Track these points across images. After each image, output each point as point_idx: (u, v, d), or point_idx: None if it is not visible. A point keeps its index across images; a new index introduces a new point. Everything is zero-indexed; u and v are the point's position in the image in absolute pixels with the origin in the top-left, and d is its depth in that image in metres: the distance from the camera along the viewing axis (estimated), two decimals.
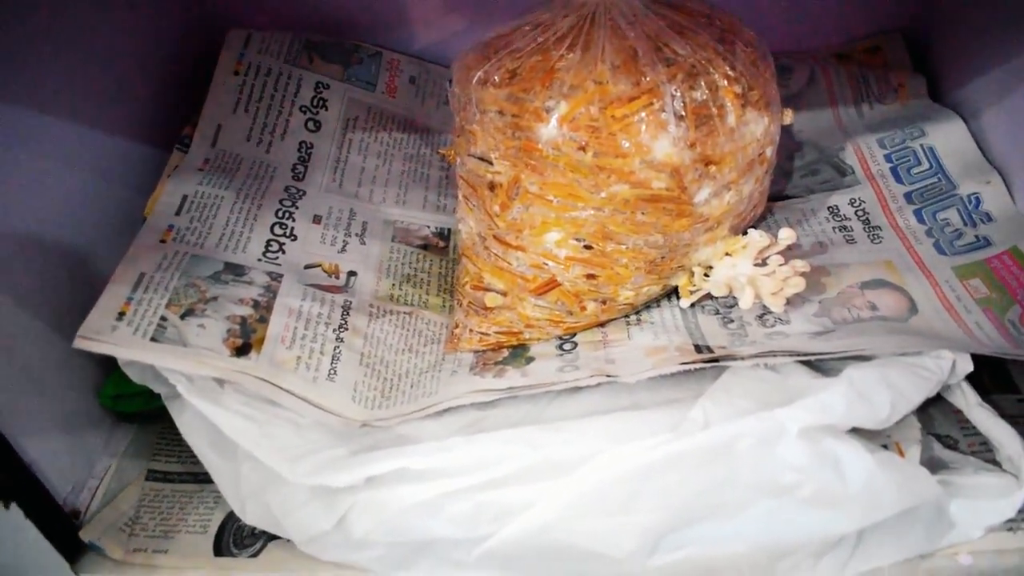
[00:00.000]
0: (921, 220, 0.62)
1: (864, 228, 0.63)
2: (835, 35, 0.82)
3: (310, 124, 0.70)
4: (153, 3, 0.69)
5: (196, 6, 0.75)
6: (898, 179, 0.66)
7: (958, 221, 0.61)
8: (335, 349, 0.53)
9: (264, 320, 0.52)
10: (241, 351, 0.50)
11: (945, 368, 0.47)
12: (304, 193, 0.64)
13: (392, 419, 0.50)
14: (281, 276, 0.56)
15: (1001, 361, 0.55)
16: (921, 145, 0.67)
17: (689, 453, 0.41)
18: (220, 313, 0.51)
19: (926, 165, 0.66)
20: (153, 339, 0.48)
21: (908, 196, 0.64)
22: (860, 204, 0.65)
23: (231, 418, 0.47)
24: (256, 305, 0.53)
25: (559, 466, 0.42)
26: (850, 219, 0.64)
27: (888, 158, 0.68)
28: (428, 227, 0.66)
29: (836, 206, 0.65)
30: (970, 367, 0.48)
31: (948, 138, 0.67)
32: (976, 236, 0.60)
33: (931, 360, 0.47)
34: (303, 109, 0.70)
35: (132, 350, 0.47)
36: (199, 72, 0.70)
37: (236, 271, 0.55)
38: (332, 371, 0.52)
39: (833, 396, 0.42)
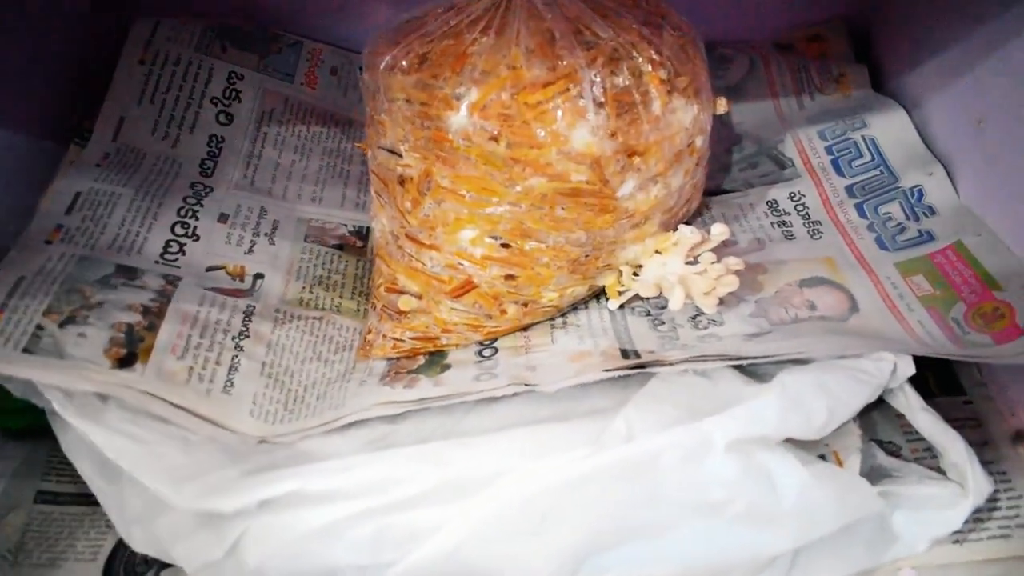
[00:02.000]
0: (863, 214, 0.60)
1: (804, 223, 0.60)
2: (775, 24, 0.79)
3: (222, 117, 0.65)
4: None
5: None
6: (839, 172, 0.63)
7: (900, 215, 0.59)
8: (233, 358, 0.49)
9: (154, 328, 0.48)
10: (124, 362, 0.45)
11: (886, 371, 0.44)
12: (211, 190, 0.60)
13: (293, 434, 0.46)
14: (178, 279, 0.52)
15: (947, 362, 0.52)
16: (863, 136, 0.65)
17: (609, 468, 0.38)
18: (104, 320, 0.47)
19: (868, 157, 0.63)
20: (26, 350, 0.44)
21: (850, 189, 0.62)
22: (800, 198, 0.62)
23: (112, 437, 0.43)
24: (146, 311, 0.49)
25: (469, 485, 0.39)
26: (790, 214, 0.61)
27: (829, 150, 0.65)
28: (345, 226, 0.62)
29: (775, 200, 0.62)
30: (912, 370, 0.45)
31: (890, 129, 0.64)
32: (919, 230, 0.57)
33: (871, 363, 0.44)
34: (214, 101, 0.66)
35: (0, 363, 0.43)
36: (104, 62, 0.65)
37: (128, 274, 0.51)
38: (228, 383, 0.48)
39: (764, 404, 0.39)
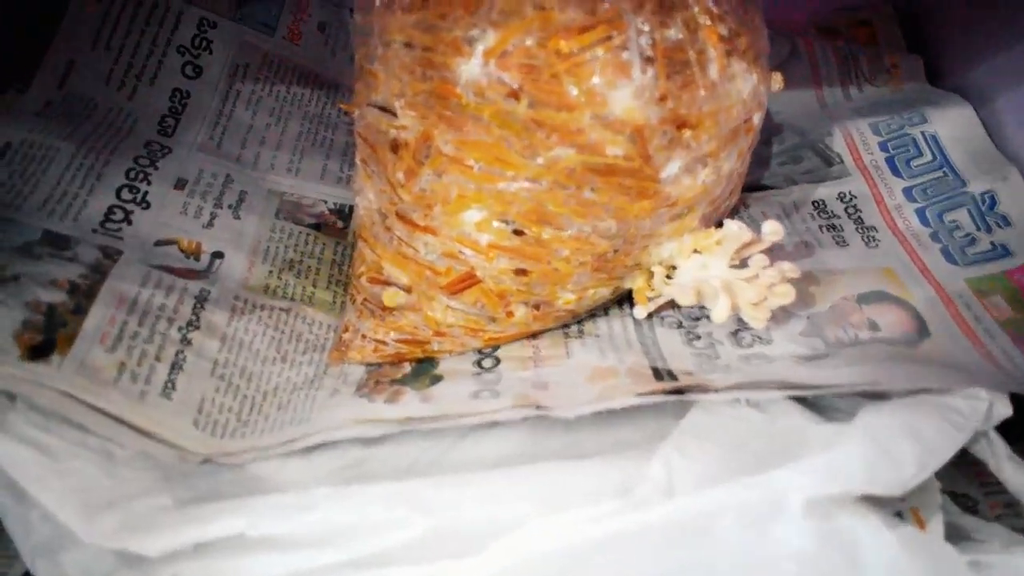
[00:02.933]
0: (925, 221, 0.52)
1: (857, 228, 0.52)
2: (818, 6, 0.71)
3: (188, 68, 0.56)
4: None
5: None
6: (895, 172, 0.55)
7: (969, 224, 0.51)
8: (178, 354, 0.40)
9: (81, 310, 0.39)
10: (39, 352, 0.37)
11: (981, 412, 0.36)
12: (169, 151, 0.51)
13: (246, 453, 0.37)
14: (119, 253, 0.43)
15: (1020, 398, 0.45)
16: (922, 133, 0.56)
17: (647, 531, 0.29)
18: (18, 298, 0.38)
19: (928, 156, 0.55)
20: None
21: (908, 192, 0.54)
22: (851, 199, 0.54)
23: (15, 447, 0.34)
24: (73, 289, 0.40)
25: (463, 540, 0.30)
26: (839, 216, 0.53)
27: (883, 147, 0.57)
28: (324, 202, 0.53)
29: (822, 200, 0.54)
30: (1009, 411, 0.37)
31: (954, 126, 0.56)
32: (992, 243, 0.49)
33: (963, 401, 0.36)
34: (181, 50, 0.57)
35: None
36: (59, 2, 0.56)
37: (58, 243, 0.42)
38: (169, 384, 0.39)
39: (849, 453, 0.31)
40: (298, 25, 0.63)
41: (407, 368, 0.42)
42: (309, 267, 0.48)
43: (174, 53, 0.56)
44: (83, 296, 0.40)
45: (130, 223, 0.46)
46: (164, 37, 0.56)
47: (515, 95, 0.34)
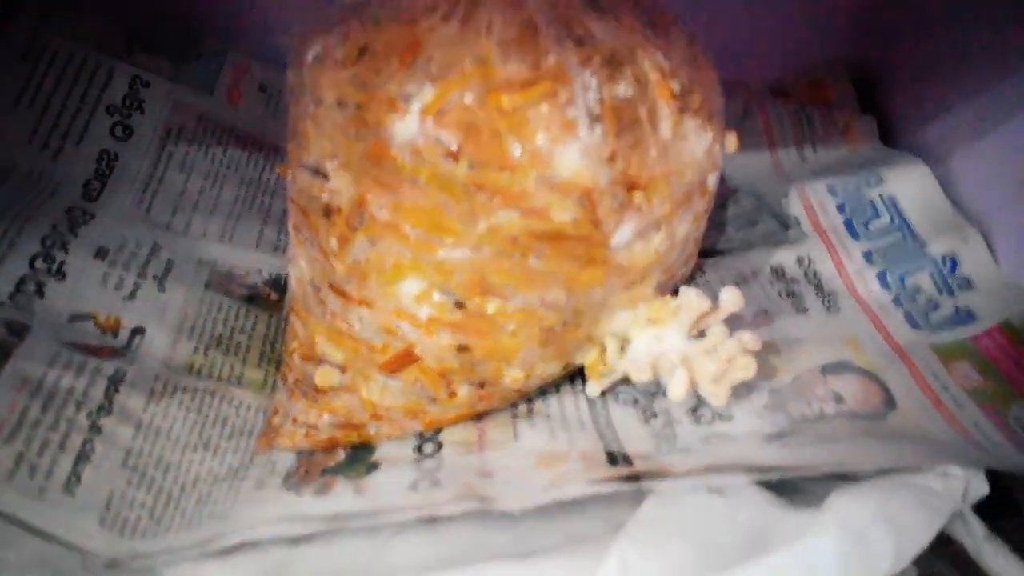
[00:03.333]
0: (886, 286, 0.50)
1: (817, 294, 0.50)
2: (769, 66, 0.70)
3: (118, 129, 0.53)
4: None
5: None
6: (854, 235, 0.54)
7: (932, 288, 0.49)
8: (85, 443, 0.36)
9: None
10: None
11: (957, 491, 0.34)
12: (92, 217, 0.47)
13: (158, 555, 0.33)
14: (27, 329, 0.39)
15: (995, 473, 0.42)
16: (880, 195, 0.55)
17: None
18: None
19: (887, 218, 0.54)
20: None
21: (868, 255, 0.52)
22: (810, 264, 0.52)
23: None
24: None
25: None
26: (799, 282, 0.51)
27: (840, 209, 0.55)
28: (259, 272, 0.50)
29: (781, 265, 0.52)
30: (985, 489, 0.35)
31: (911, 187, 0.55)
32: (956, 307, 0.48)
33: (937, 480, 0.34)
34: (111, 110, 0.54)
35: None
36: None
37: None
38: (74, 477, 0.35)
39: (821, 546, 0.28)
40: (238, 85, 0.61)
41: (341, 455, 0.38)
42: (239, 344, 0.45)
43: (103, 113, 0.53)
44: None
45: (42, 296, 0.42)
46: (93, 95, 0.54)
47: (454, 155, 0.32)
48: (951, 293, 0.48)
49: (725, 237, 0.56)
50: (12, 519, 0.33)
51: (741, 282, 0.51)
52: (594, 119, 0.32)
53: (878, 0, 0.65)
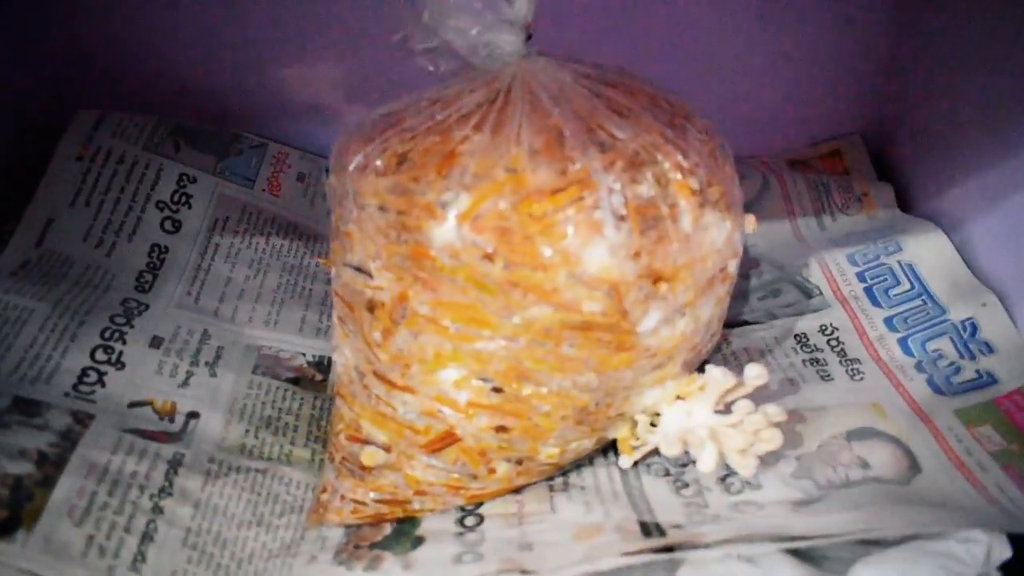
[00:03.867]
0: (908, 351, 0.51)
1: (840, 361, 0.51)
2: (787, 139, 0.73)
3: (168, 224, 0.57)
4: None
5: (44, 81, 0.63)
6: (875, 302, 0.55)
7: (953, 352, 0.50)
8: (148, 524, 0.39)
9: (50, 482, 0.38)
10: (3, 528, 0.35)
11: (979, 556, 0.35)
12: (147, 308, 0.50)
13: None
14: (91, 418, 0.42)
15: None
16: (899, 262, 0.57)
17: None
18: None
19: (907, 285, 0.55)
20: None
21: (889, 322, 0.53)
22: (832, 332, 0.54)
23: None
24: (42, 460, 0.39)
25: None
26: (822, 350, 0.52)
27: (861, 277, 0.57)
28: (303, 355, 0.52)
29: (804, 334, 0.54)
30: (1008, 552, 0.36)
31: (929, 253, 0.57)
32: (977, 371, 0.49)
33: (959, 546, 0.35)
34: (160, 205, 0.57)
35: None
36: (41, 159, 0.57)
37: (28, 409, 0.41)
38: (139, 556, 0.37)
39: None
40: (277, 177, 0.64)
41: (387, 529, 0.40)
42: (287, 424, 0.47)
43: (153, 208, 0.57)
44: (52, 466, 0.39)
45: (103, 385, 0.45)
46: (144, 193, 0.57)
47: (489, 257, 0.34)
48: (972, 357, 0.50)
49: (749, 307, 0.58)
50: None
51: (766, 351, 0.52)
52: (619, 219, 0.34)
53: (891, 67, 0.67)
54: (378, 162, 0.37)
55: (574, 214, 0.34)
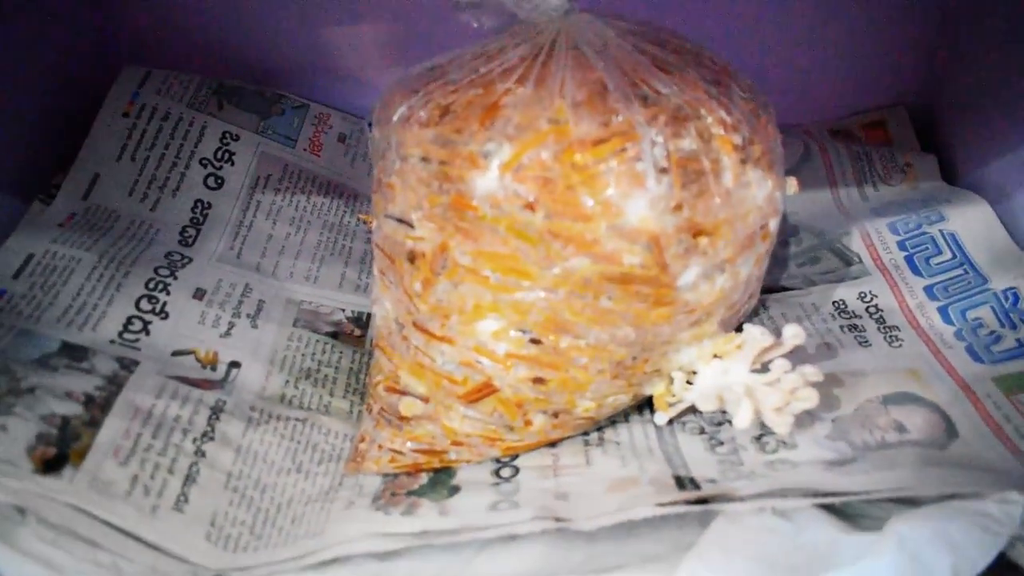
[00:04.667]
0: (948, 320, 0.51)
1: (879, 328, 0.51)
2: (830, 108, 0.72)
3: (211, 180, 0.57)
4: (34, 27, 0.56)
5: (89, 38, 0.63)
6: (915, 270, 0.55)
7: (994, 321, 0.50)
8: (191, 467, 0.40)
9: (96, 423, 0.39)
10: (52, 466, 0.36)
11: (1015, 516, 0.35)
12: (190, 261, 0.51)
13: (259, 568, 0.36)
14: (136, 364, 0.43)
15: None
16: (940, 231, 0.56)
17: None
18: (34, 411, 0.38)
19: (948, 255, 0.55)
20: None
21: (929, 290, 0.53)
22: (871, 299, 0.53)
23: (23, 564, 0.34)
24: (89, 402, 0.40)
25: None
26: (860, 316, 0.52)
27: (902, 245, 0.57)
28: (343, 310, 0.53)
29: (843, 300, 0.53)
30: None
31: (972, 224, 0.56)
32: (1018, 340, 0.48)
33: (996, 506, 0.35)
34: (204, 162, 0.58)
35: None
36: (85, 112, 0.58)
37: (75, 354, 0.42)
38: (182, 497, 0.38)
39: (880, 566, 0.30)
40: (319, 137, 0.65)
41: (424, 478, 0.41)
42: (326, 376, 0.48)
43: (197, 165, 0.58)
44: (98, 408, 0.40)
45: (148, 333, 0.46)
46: (188, 150, 0.58)
47: (531, 207, 0.35)
48: (1013, 327, 0.49)
49: (788, 274, 0.57)
50: (129, 534, 0.36)
51: (804, 317, 0.52)
52: (661, 172, 0.34)
53: (937, 38, 0.66)
54: (421, 113, 0.37)
55: (616, 165, 0.34)
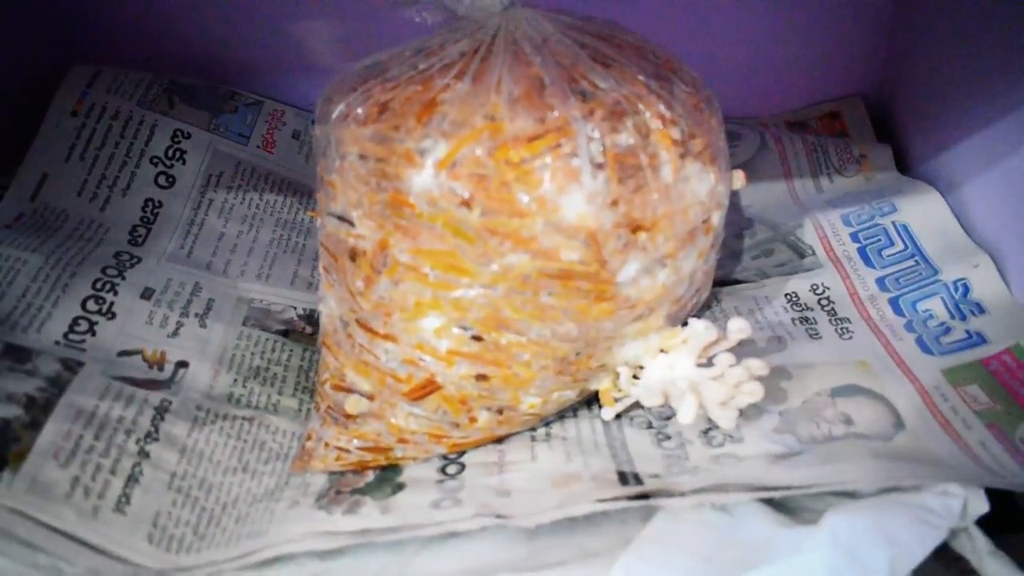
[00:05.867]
0: (899, 311, 0.51)
1: (830, 320, 0.51)
2: (786, 100, 0.72)
3: (161, 179, 0.57)
4: None
5: (38, 36, 0.63)
6: (868, 262, 0.55)
7: (943, 313, 0.50)
8: (134, 467, 0.39)
9: (36, 425, 0.39)
10: None
11: (954, 509, 0.35)
12: (139, 261, 0.51)
13: (201, 568, 0.36)
14: (81, 365, 0.43)
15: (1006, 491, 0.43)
16: (893, 222, 0.57)
17: None
18: None
19: (900, 246, 0.55)
20: None
21: (881, 282, 0.53)
22: (824, 291, 0.54)
23: None
24: (30, 404, 0.39)
25: None
26: (812, 309, 0.52)
27: (855, 237, 0.57)
28: (294, 308, 0.53)
29: (795, 293, 0.54)
30: (985, 507, 0.36)
31: (924, 215, 0.56)
32: (967, 331, 0.48)
33: (935, 499, 0.35)
34: (155, 161, 0.57)
35: None
36: (36, 114, 0.57)
37: (17, 356, 0.42)
38: (124, 498, 0.38)
39: (813, 560, 0.30)
40: (272, 134, 0.64)
41: (370, 476, 0.41)
42: (275, 375, 0.48)
43: (147, 164, 0.57)
44: (40, 410, 0.39)
45: (94, 334, 0.45)
46: (138, 148, 0.57)
47: (467, 204, 0.35)
48: (963, 318, 0.49)
49: (741, 266, 0.58)
50: (69, 536, 0.35)
51: (757, 309, 0.52)
52: (597, 167, 0.34)
53: (892, 29, 0.67)
54: (360, 111, 0.37)
55: (551, 161, 0.34)
